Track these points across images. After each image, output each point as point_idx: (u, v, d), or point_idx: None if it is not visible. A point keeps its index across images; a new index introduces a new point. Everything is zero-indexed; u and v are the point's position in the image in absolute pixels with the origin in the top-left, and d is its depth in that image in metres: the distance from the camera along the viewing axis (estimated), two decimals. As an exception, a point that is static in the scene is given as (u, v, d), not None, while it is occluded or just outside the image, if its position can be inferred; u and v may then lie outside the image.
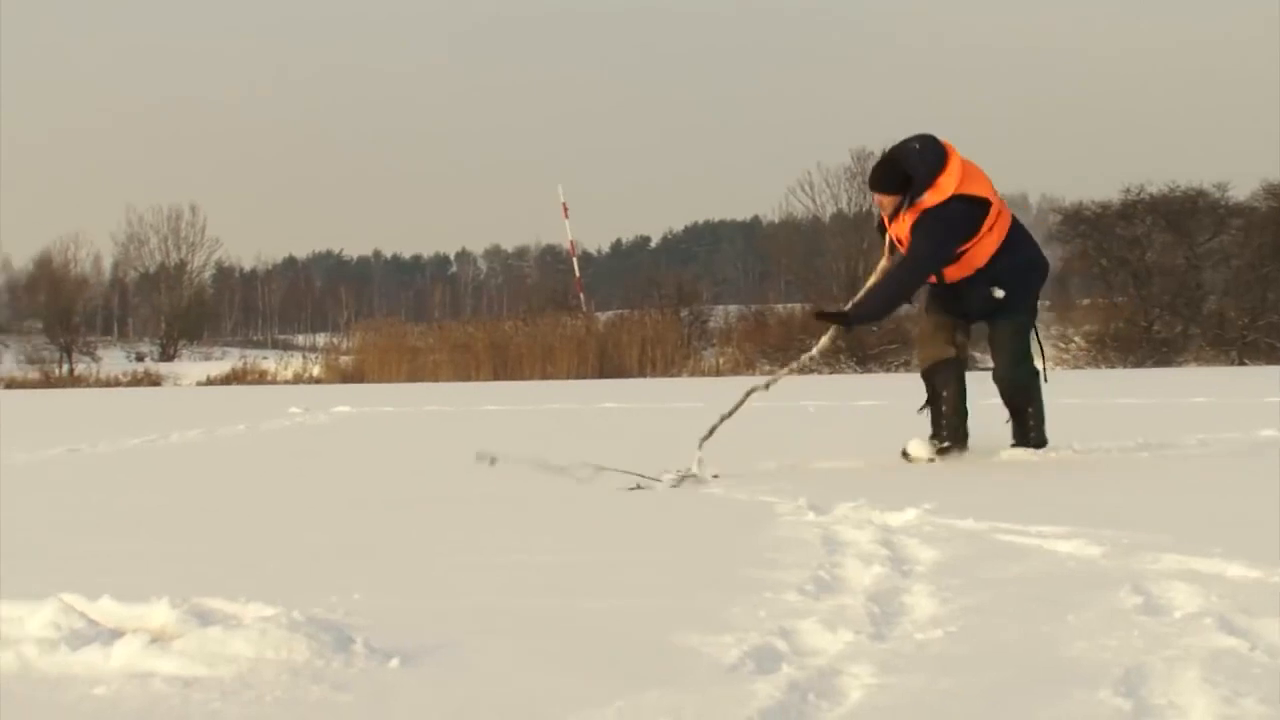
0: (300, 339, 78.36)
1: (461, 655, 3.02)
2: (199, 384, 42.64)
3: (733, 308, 50.40)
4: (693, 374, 38.84)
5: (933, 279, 7.98)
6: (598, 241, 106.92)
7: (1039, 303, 8.48)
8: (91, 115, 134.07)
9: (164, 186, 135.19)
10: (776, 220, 62.26)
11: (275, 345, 76.11)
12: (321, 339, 66.25)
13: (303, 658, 2.89)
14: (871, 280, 8.16)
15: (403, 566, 4.60)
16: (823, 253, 51.00)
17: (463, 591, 3.98)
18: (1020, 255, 8.05)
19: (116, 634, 3.22)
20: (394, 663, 2.90)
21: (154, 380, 45.13)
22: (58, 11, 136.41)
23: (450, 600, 3.83)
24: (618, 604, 3.67)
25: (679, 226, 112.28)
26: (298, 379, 42.34)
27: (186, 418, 17.07)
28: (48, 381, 45.24)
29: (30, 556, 5.18)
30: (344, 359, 44.83)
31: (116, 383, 44.20)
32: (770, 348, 39.87)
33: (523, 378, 37.98)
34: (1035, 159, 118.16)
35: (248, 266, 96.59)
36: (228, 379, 43.54)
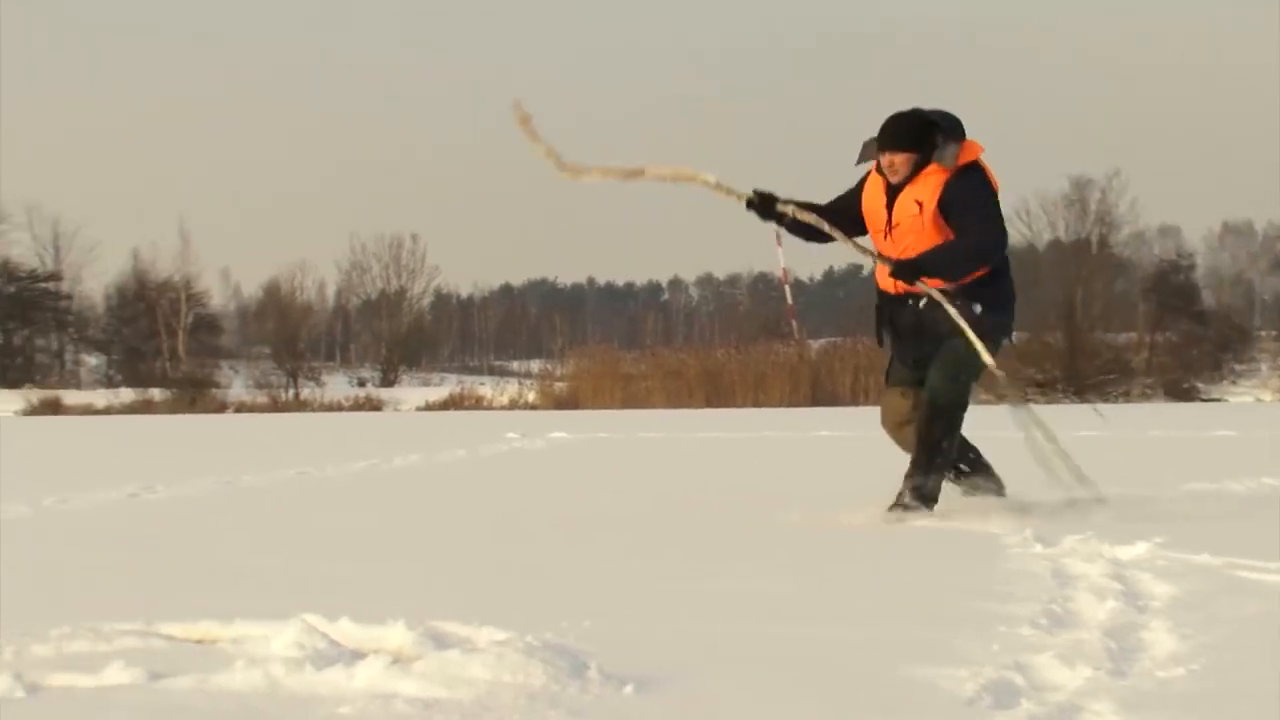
0: (515, 365, 79.45)
1: (695, 683, 3.04)
2: (418, 409, 43.43)
3: (948, 336, 49.81)
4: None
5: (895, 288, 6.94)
6: (810, 269, 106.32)
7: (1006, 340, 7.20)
8: (319, 147, 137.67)
9: (386, 215, 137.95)
10: (993, 248, 61.54)
11: (491, 371, 77.26)
12: (536, 365, 67.03)
13: (539, 682, 2.93)
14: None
15: (629, 593, 4.63)
16: (1039, 281, 50.19)
17: (691, 618, 4.00)
18: (1005, 282, 7.08)
19: (358, 655, 3.30)
20: (628, 689, 2.92)
21: (375, 405, 46.08)
22: (294, 47, 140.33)
23: (679, 627, 3.85)
24: (848, 634, 3.65)
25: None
26: (513, 405, 42.87)
27: (407, 442, 17.39)
28: (275, 405, 46.46)
29: (268, 578, 5.34)
30: (559, 385, 45.28)
31: (339, 407, 45.23)
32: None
33: (735, 405, 37.98)
34: (1262, 185, 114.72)
35: (465, 294, 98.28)
36: (446, 404, 44.26)
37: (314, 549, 6.08)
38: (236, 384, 54.09)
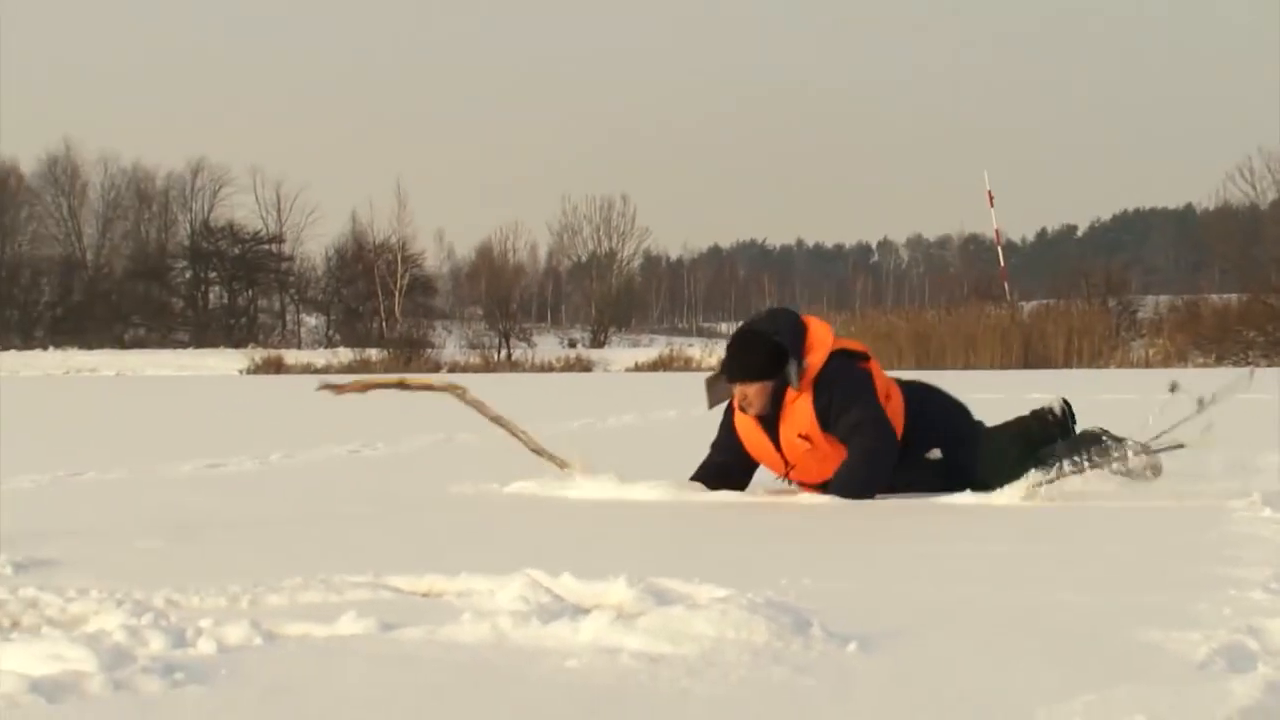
0: (724, 327, 79.54)
1: (919, 643, 3.02)
2: (627, 370, 43.80)
3: (1163, 298, 48.73)
4: (1120, 365, 37.63)
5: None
6: (1022, 230, 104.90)
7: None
8: (533, 109, 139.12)
9: (597, 177, 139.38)
10: (1212, 208, 59.93)
11: (700, 333, 77.50)
12: (744, 327, 66.96)
13: (762, 639, 2.94)
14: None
15: (850, 554, 4.63)
16: (1261, 241, 48.74)
17: (910, 578, 3.98)
18: (945, 413, 6.53)
19: (581, 610, 3.35)
20: (852, 647, 2.91)
21: (585, 366, 46.57)
22: (510, 8, 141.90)
23: (901, 588, 3.83)
24: (1074, 598, 3.60)
25: (1106, 215, 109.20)
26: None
27: (620, 403, 17.54)
28: (487, 366, 47.18)
29: (489, 533, 5.44)
30: (766, 347, 45.20)
31: (550, 368, 45.78)
32: (1204, 339, 38.37)
33: (945, 367, 37.57)
34: None
35: (674, 255, 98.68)
36: (655, 365, 44.54)
37: (535, 506, 6.16)
38: (450, 344, 55.03)
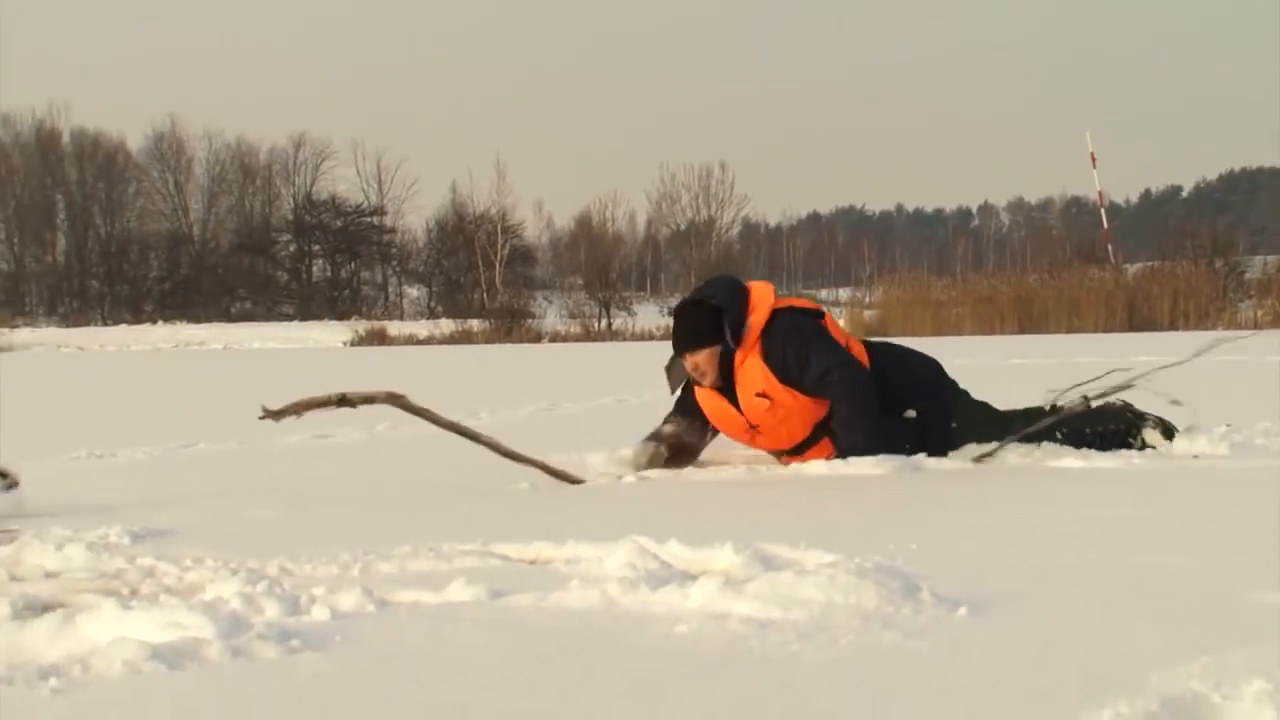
0: (824, 293, 79.23)
1: (1028, 606, 3.01)
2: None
3: (1271, 258, 47.91)
4: (1228, 326, 37.07)
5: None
6: (1125, 192, 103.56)
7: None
8: (631, 78, 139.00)
9: (696, 145, 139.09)
10: (1323, 165, 58.77)
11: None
12: (844, 293, 66.77)
13: (872, 604, 2.94)
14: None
15: (952, 517, 4.60)
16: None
17: (1018, 543, 3.95)
18: (917, 376, 6.39)
19: (689, 576, 3.36)
20: (962, 611, 2.90)
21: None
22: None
23: (1006, 550, 3.81)
24: (1188, 561, 3.56)
25: (1212, 175, 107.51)
26: (822, 333, 42.76)
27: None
28: (587, 335, 47.34)
29: (599, 502, 5.46)
30: (868, 313, 45.05)
31: (650, 336, 45.80)
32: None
33: (1048, 331, 37.24)
34: None
35: (773, 222, 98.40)
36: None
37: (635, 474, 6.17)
38: (550, 314, 55.29)
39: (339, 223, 76.61)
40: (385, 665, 2.61)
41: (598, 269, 64.30)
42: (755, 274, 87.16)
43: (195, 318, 65.00)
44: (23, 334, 51.33)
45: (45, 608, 3.39)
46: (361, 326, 49.15)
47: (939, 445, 6.17)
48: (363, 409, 6.03)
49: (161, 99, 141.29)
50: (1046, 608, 2.99)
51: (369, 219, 77.46)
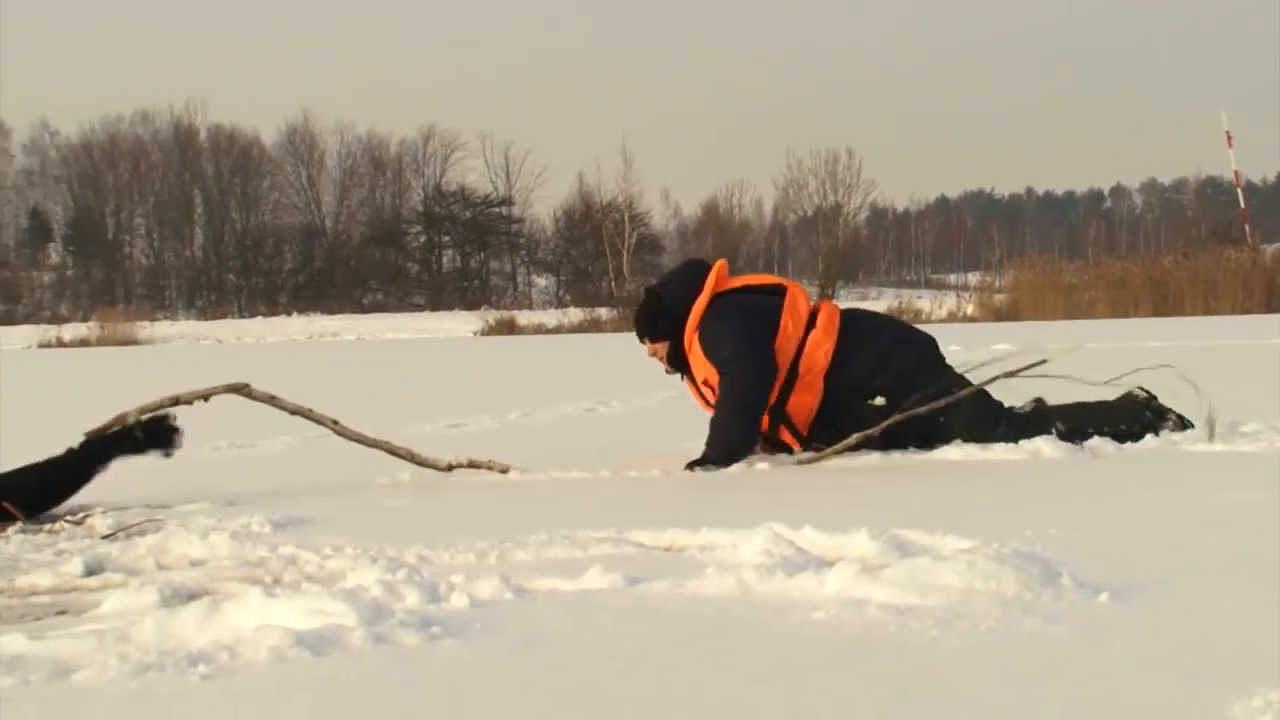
0: (952, 278, 78.58)
1: (1172, 591, 2.96)
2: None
3: None
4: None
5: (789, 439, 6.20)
6: (1263, 171, 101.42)
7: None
8: (756, 65, 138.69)
9: (822, 130, 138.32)
10: None
11: (928, 284, 76.68)
12: (974, 278, 66.14)
13: (1011, 590, 2.91)
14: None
15: (1089, 502, 4.55)
16: None
17: (1160, 527, 3.90)
18: (882, 340, 6.25)
19: (824, 562, 3.36)
20: (1103, 597, 2.87)
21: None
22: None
23: (1148, 536, 3.75)
24: (1334, 546, 3.50)
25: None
26: (952, 317, 42.41)
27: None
28: (715, 322, 47.19)
29: (732, 489, 5.47)
30: (998, 297, 44.56)
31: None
32: None
33: (1183, 314, 36.59)
34: None
35: (901, 207, 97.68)
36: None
37: (766, 460, 6.16)
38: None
39: (468, 213, 77.25)
40: (524, 652, 2.63)
41: (725, 256, 64.15)
42: (883, 259, 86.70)
43: (329, 309, 65.83)
44: (162, 327, 52.28)
45: (192, 595, 3.47)
46: (491, 316, 49.49)
47: (918, 432, 6.07)
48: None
49: (294, 94, 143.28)
50: (1190, 593, 2.95)
51: (497, 209, 78.03)
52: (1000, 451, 5.93)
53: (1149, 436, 6.16)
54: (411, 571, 3.46)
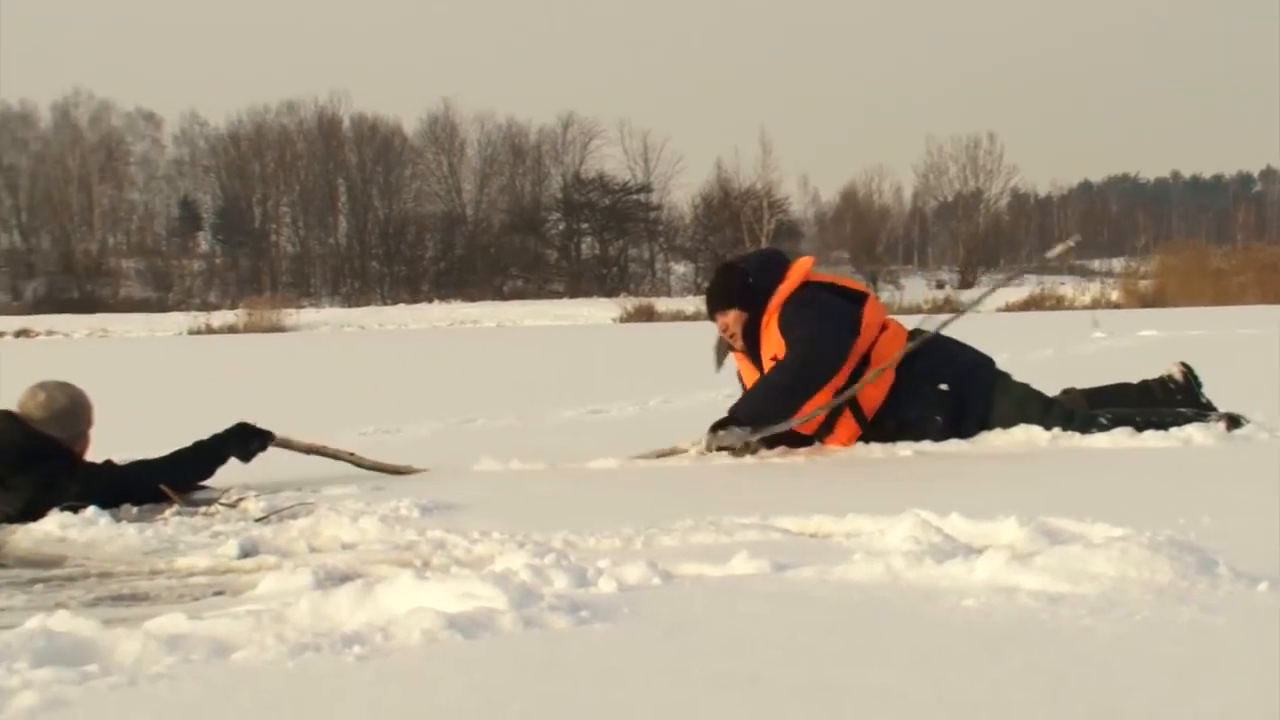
0: (1096, 264, 77.41)
1: (1334, 583, 2.90)
2: (998, 310, 43.04)
3: None
4: None
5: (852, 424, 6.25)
6: None
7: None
8: (896, 50, 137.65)
9: (963, 115, 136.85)
10: None
11: (1071, 271, 75.56)
12: (1118, 264, 65.16)
13: (1166, 578, 2.86)
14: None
15: (1240, 490, 4.47)
16: None
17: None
18: (951, 353, 6.40)
19: (973, 549, 3.33)
20: (1263, 587, 2.81)
21: (954, 307, 45.96)
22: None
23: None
24: None
25: None
26: (1095, 304, 41.84)
27: (993, 341, 17.23)
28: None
29: (874, 475, 5.44)
30: (1143, 283, 43.89)
31: (918, 309, 45.34)
32: None
33: (1339, 299, 35.76)
34: None
35: (1043, 192, 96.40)
36: (1025, 305, 43.66)
37: (906, 446, 6.12)
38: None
39: (607, 201, 77.50)
40: (673, 637, 2.64)
41: (864, 243, 63.91)
42: (1025, 245, 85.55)
43: (469, 296, 66.42)
44: (307, 314, 53.06)
45: (344, 577, 3.52)
46: (630, 303, 49.62)
47: (976, 419, 6.23)
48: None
49: (435, 84, 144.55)
50: (1353, 584, 2.88)
51: (636, 196, 78.20)
52: (1149, 439, 5.86)
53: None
54: (559, 556, 3.48)
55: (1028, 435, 6.07)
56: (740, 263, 6.58)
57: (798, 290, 6.27)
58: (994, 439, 6.09)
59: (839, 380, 6.17)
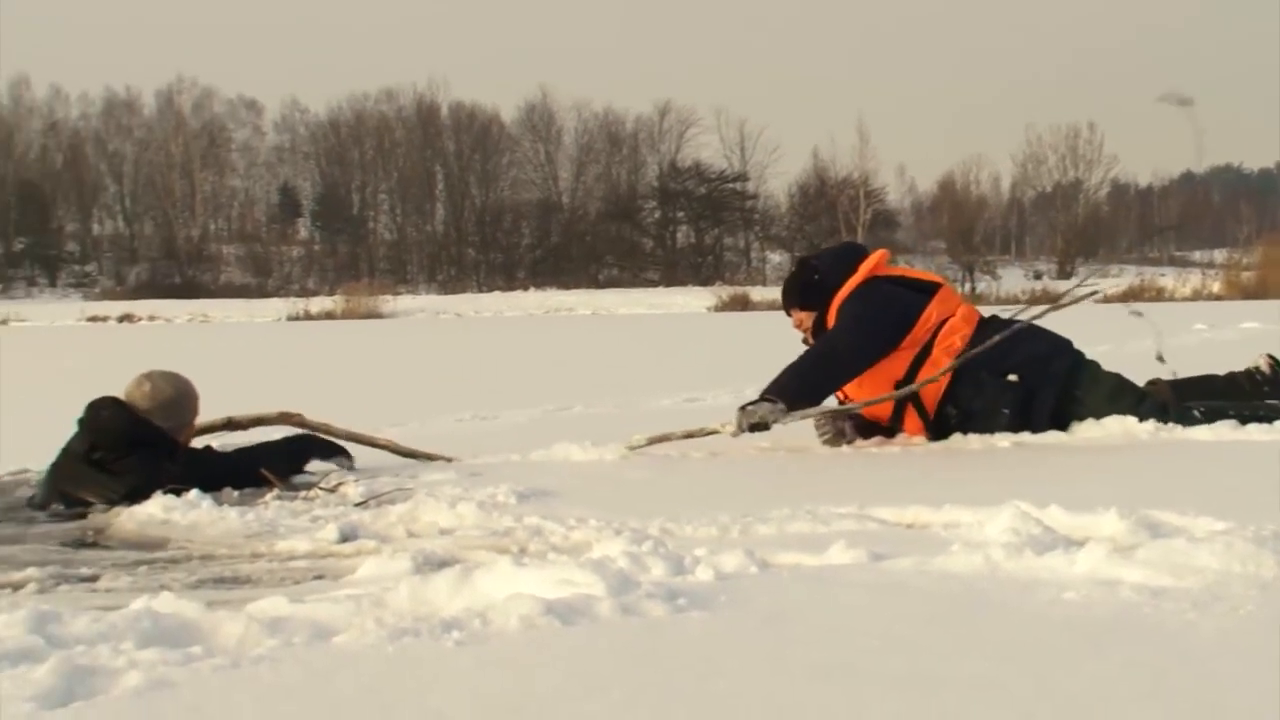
0: (1197, 255, 76.40)
1: None
2: (1095, 302, 42.65)
3: None
4: None
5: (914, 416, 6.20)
6: None
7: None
8: (994, 38, 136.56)
9: (1063, 104, 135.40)
10: None
11: (1171, 262, 74.64)
12: (1220, 255, 64.27)
13: (1271, 573, 2.83)
14: None
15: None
16: None
17: None
18: (1019, 341, 6.20)
19: (1073, 542, 3.30)
20: (1371, 584, 2.78)
21: (1051, 298, 45.65)
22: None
23: None
24: None
25: None
26: (1196, 295, 41.31)
27: (1091, 334, 17.06)
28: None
29: (972, 466, 5.41)
30: (1245, 275, 43.27)
31: (1014, 300, 45.00)
32: None
33: None
34: None
35: (1144, 183, 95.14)
36: (1125, 296, 43.13)
37: (1004, 437, 6.07)
38: (913, 278, 54.70)
39: (702, 189, 77.46)
40: (771, 626, 2.64)
41: (961, 233, 63.47)
42: (1124, 236, 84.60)
43: (564, 284, 66.66)
44: (404, 301, 53.46)
45: (443, 563, 3.55)
46: (725, 292, 49.59)
47: (1046, 412, 6.11)
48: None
49: (533, 72, 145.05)
50: None
51: (732, 185, 78.08)
52: (1253, 432, 5.78)
53: None
54: (656, 543, 3.49)
55: (1124, 427, 5.99)
56: (813, 259, 6.59)
57: (860, 285, 6.25)
58: (1089, 430, 6.02)
59: (896, 373, 6.13)
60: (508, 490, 4.73)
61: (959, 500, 4.08)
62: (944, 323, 6.21)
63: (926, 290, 6.30)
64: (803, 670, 2.33)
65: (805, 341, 6.44)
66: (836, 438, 6.17)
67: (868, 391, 6.16)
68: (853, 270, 6.31)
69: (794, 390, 6.02)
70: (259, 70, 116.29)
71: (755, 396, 6.06)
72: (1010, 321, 6.44)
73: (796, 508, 4.14)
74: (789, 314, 6.52)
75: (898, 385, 6.14)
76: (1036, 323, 6.41)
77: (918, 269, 6.89)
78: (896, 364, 6.15)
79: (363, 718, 2.15)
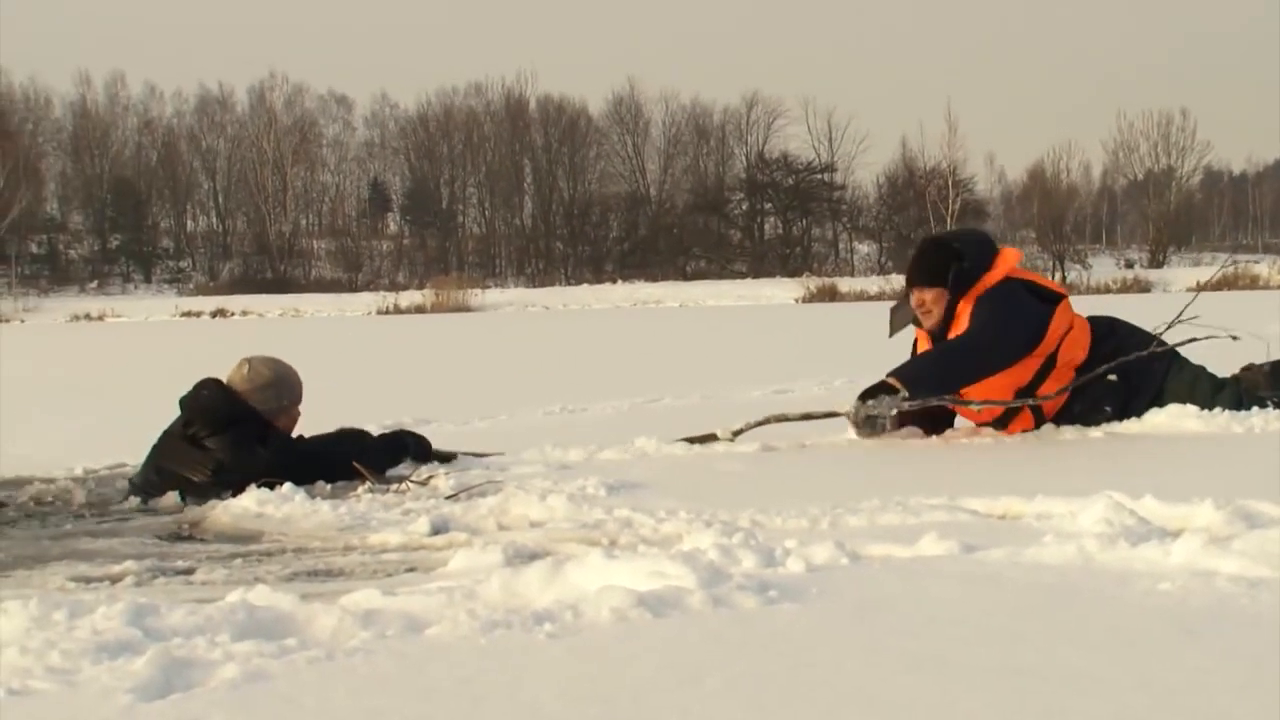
0: (1293, 243, 75.21)
1: None
2: (1187, 290, 42.13)
3: None
4: None
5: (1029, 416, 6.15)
6: None
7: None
8: (1087, 26, 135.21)
9: (1155, 91, 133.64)
10: None
11: (1266, 250, 73.55)
12: (1318, 242, 63.27)
13: (1371, 565, 2.79)
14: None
15: None
16: None
17: None
18: (1119, 329, 6.31)
19: (1168, 532, 3.27)
20: None
21: (1143, 287, 45.20)
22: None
23: None
24: None
25: None
26: (1291, 283, 40.73)
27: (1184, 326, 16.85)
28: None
29: (1062, 457, 5.36)
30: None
31: (1106, 289, 44.61)
32: None
33: None
34: None
35: (1238, 170, 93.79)
36: (1219, 285, 42.59)
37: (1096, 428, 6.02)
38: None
39: (790, 180, 77.16)
40: (862, 617, 2.64)
41: (1051, 221, 62.87)
42: (1217, 224, 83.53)
43: (652, 277, 66.63)
44: (493, 294, 53.69)
45: (533, 555, 3.57)
46: (813, 283, 49.44)
47: (1145, 409, 6.10)
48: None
49: (620, 64, 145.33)
50: None
51: (820, 176, 77.74)
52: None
53: None
54: (746, 535, 3.49)
55: (1194, 416, 5.94)
56: (955, 241, 6.41)
57: (1000, 282, 6.16)
58: (1155, 417, 5.96)
59: (1021, 379, 6.09)
60: (597, 483, 4.74)
61: (1051, 491, 4.05)
62: (1066, 333, 6.18)
63: (1052, 300, 6.25)
64: (895, 661, 2.32)
65: (917, 320, 6.35)
66: (870, 428, 6.08)
67: (988, 392, 6.09)
68: (990, 264, 6.23)
69: (931, 378, 6.02)
70: (349, 66, 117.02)
71: (873, 382, 6.06)
72: (1112, 321, 6.42)
73: (887, 499, 4.12)
74: (912, 291, 6.34)
75: (1019, 392, 6.09)
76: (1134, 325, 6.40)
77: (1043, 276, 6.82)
78: (1023, 370, 6.10)
79: (455, 709, 2.16)
